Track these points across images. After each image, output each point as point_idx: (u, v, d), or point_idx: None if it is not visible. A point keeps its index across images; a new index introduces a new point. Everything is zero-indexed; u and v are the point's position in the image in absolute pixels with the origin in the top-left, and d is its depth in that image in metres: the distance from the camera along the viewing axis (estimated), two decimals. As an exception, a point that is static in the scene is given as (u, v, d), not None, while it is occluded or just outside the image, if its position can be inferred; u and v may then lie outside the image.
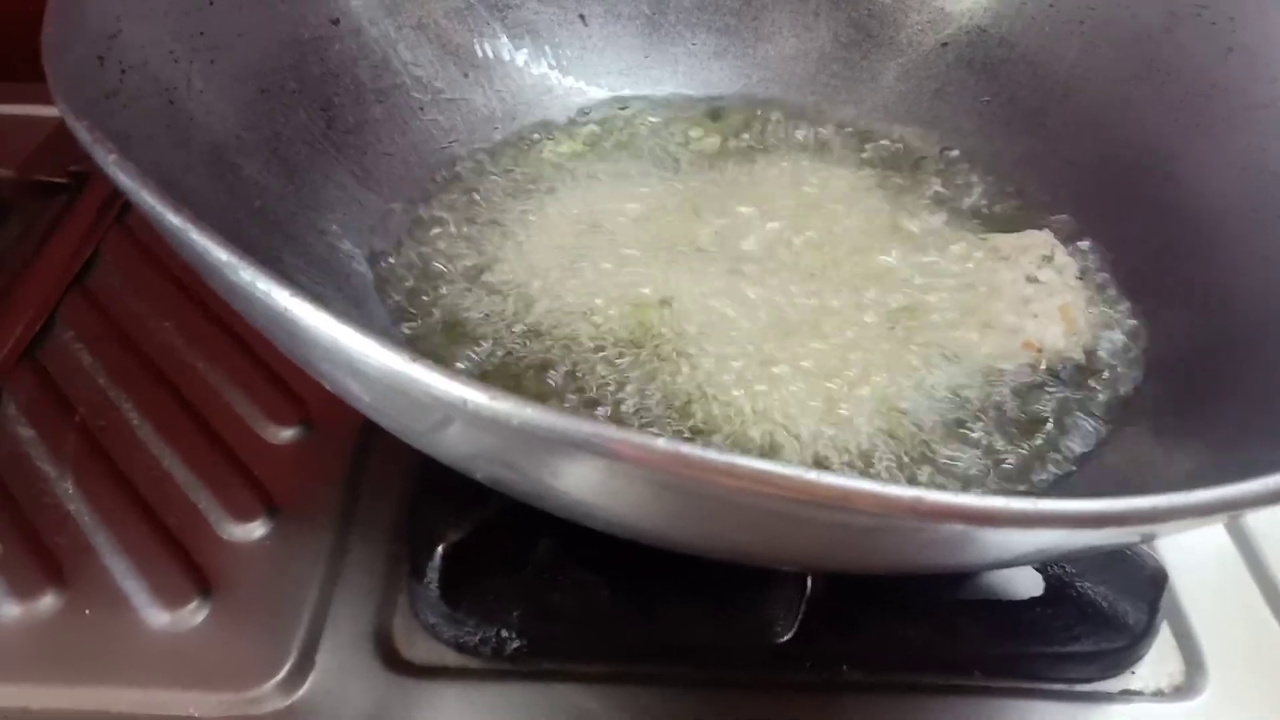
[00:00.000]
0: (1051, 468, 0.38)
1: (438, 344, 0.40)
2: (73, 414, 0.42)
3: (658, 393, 0.38)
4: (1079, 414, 0.40)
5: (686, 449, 0.19)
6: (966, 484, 0.37)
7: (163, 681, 0.34)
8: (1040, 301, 0.41)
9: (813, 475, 0.19)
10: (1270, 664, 0.38)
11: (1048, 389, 0.40)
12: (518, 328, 0.41)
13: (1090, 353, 0.41)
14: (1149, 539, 0.35)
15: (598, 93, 0.53)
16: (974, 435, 0.39)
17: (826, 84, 0.53)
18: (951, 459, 0.38)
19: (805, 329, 0.40)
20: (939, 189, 0.48)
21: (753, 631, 0.36)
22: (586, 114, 0.52)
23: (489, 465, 0.26)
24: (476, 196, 0.46)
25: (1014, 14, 0.50)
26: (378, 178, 0.44)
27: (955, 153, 0.50)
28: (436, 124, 0.48)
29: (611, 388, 0.39)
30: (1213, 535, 0.42)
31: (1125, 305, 0.43)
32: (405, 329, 0.41)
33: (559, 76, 0.52)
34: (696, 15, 0.54)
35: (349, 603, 0.37)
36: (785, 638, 0.36)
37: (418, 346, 0.40)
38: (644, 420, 0.38)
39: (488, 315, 0.41)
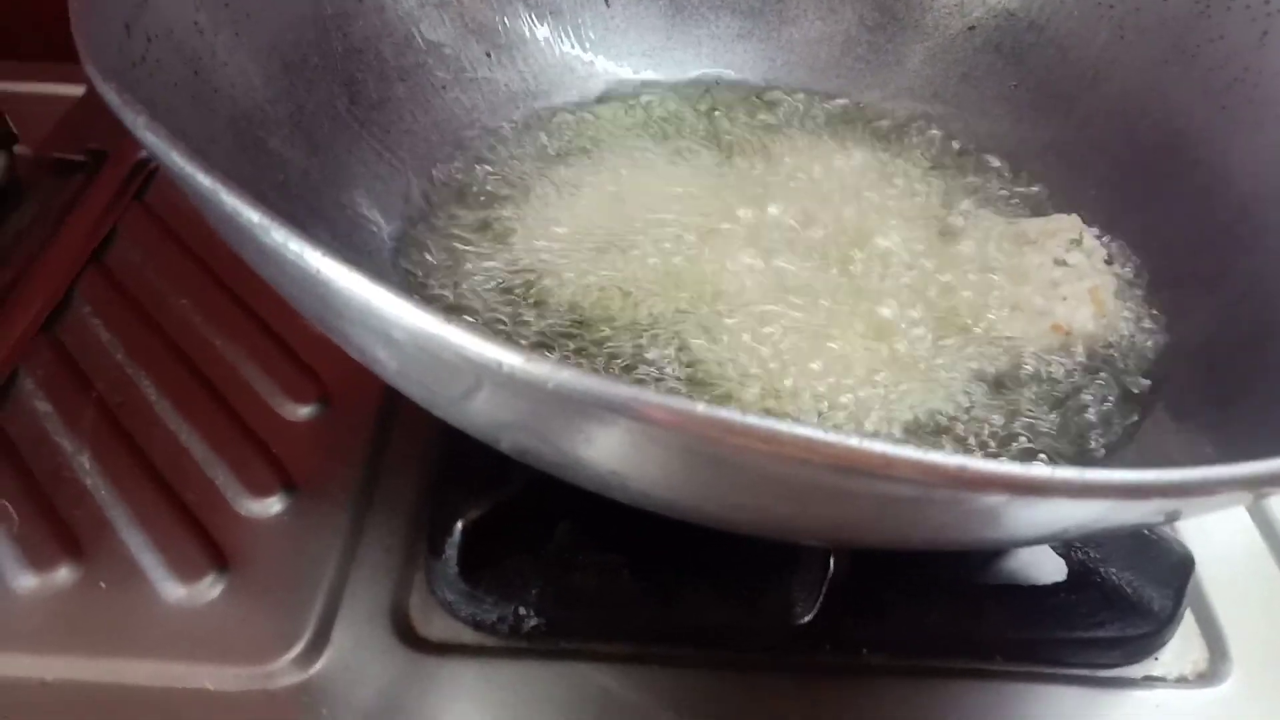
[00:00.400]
0: (1075, 450, 0.38)
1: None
2: (90, 389, 0.42)
3: (683, 369, 0.38)
4: (1104, 398, 0.39)
5: (726, 413, 0.19)
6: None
7: (178, 655, 0.34)
8: (1069, 285, 0.40)
9: (855, 441, 0.19)
10: (1295, 653, 0.38)
11: (1073, 372, 0.40)
12: (536, 304, 0.40)
13: (1117, 338, 0.41)
14: (1174, 518, 0.34)
15: (620, 73, 0.52)
16: (995, 419, 0.39)
17: (851, 67, 0.53)
18: (972, 439, 0.37)
19: (831, 310, 0.40)
20: (966, 174, 0.48)
21: (773, 613, 0.36)
22: (608, 95, 0.51)
23: (517, 434, 0.25)
24: (498, 175, 0.46)
25: (1040, -4, 0.50)
26: (401, 155, 0.44)
27: (982, 137, 0.50)
28: (459, 102, 0.47)
29: (632, 361, 0.38)
30: (1238, 523, 0.41)
31: (1153, 291, 0.43)
32: (426, 303, 0.40)
33: (581, 57, 0.51)
34: (720, -3, 0.53)
35: (366, 579, 0.37)
36: (806, 619, 0.35)
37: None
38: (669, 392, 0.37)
39: (508, 290, 0.41)
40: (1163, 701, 0.36)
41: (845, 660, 0.36)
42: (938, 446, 0.36)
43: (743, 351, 0.39)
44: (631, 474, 0.24)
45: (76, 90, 0.57)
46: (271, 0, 0.40)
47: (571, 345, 0.39)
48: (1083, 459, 0.37)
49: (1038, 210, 0.46)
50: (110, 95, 0.25)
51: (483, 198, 0.45)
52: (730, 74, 0.54)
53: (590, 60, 0.52)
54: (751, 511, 0.25)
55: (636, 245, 0.43)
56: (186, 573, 0.36)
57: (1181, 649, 0.37)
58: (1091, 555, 0.38)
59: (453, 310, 0.40)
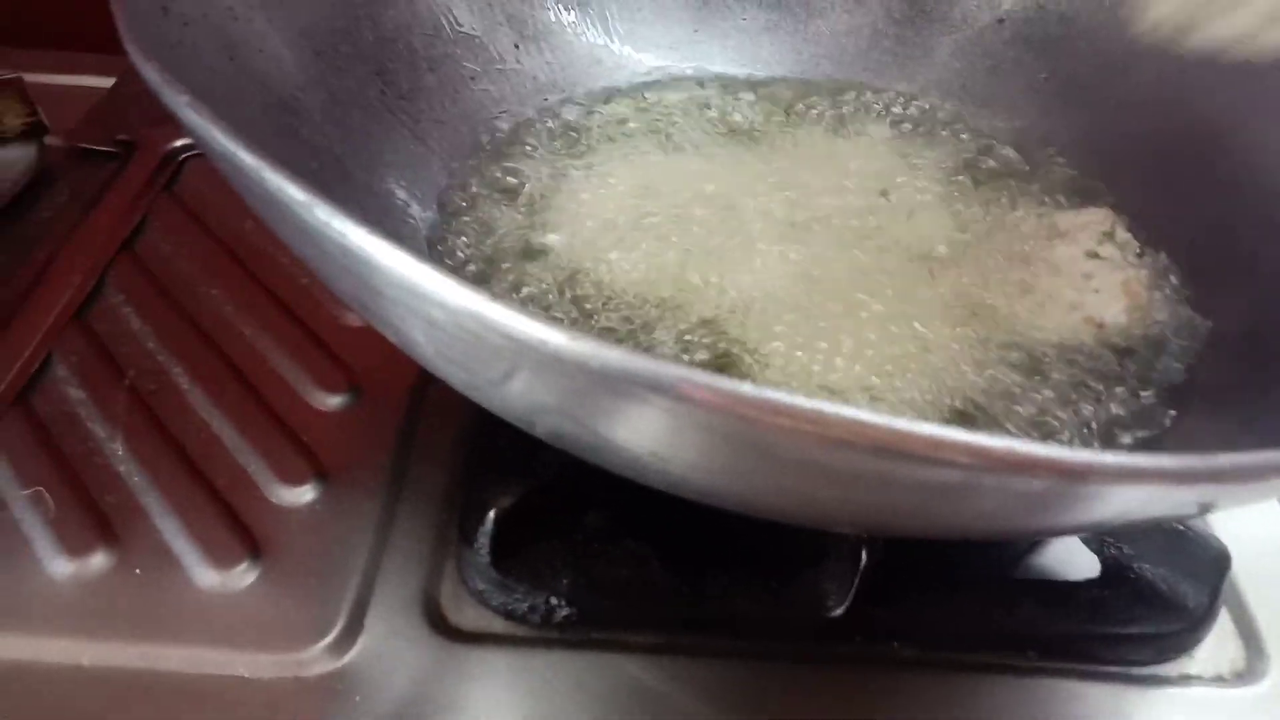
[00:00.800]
0: (1108, 444, 0.37)
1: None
2: (123, 376, 0.42)
3: (715, 360, 0.38)
4: (1137, 392, 0.39)
5: (773, 394, 0.19)
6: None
7: (212, 641, 0.34)
8: (1101, 277, 0.40)
9: (901, 423, 0.19)
10: (1334, 652, 0.37)
11: (1106, 366, 0.39)
12: (568, 293, 0.40)
13: (1150, 331, 0.40)
14: (1207, 510, 0.34)
15: (647, 65, 0.52)
16: (1027, 411, 0.38)
17: (879, 60, 0.53)
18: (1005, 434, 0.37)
19: (862, 303, 0.40)
20: (994, 166, 0.48)
21: (805, 604, 0.35)
22: (636, 86, 0.51)
23: (555, 417, 0.25)
24: (527, 166, 0.46)
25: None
26: (430, 144, 0.44)
27: (1011, 130, 0.50)
28: (488, 93, 0.47)
29: (663, 353, 0.38)
30: (1274, 518, 0.41)
31: (1186, 283, 0.42)
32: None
33: (608, 48, 0.51)
34: (748, -11, 0.53)
35: (398, 568, 0.37)
36: (838, 611, 0.35)
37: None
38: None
39: (538, 280, 0.41)
40: (1198, 700, 0.36)
41: (876, 653, 0.36)
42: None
43: (772, 341, 0.39)
44: (672, 457, 0.24)
45: (106, 82, 0.58)
46: (304, -13, 0.40)
47: (605, 336, 0.39)
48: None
49: (1068, 203, 0.46)
50: (151, 75, 0.25)
51: (512, 188, 0.45)
52: (757, 67, 0.54)
53: (617, 51, 0.52)
54: (793, 497, 0.24)
55: (667, 235, 0.43)
56: (220, 559, 0.36)
57: (1217, 647, 0.37)
58: (1125, 550, 0.37)
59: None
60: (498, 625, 0.36)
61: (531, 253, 0.42)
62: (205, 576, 0.36)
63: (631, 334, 0.39)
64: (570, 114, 0.49)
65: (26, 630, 0.34)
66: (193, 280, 0.47)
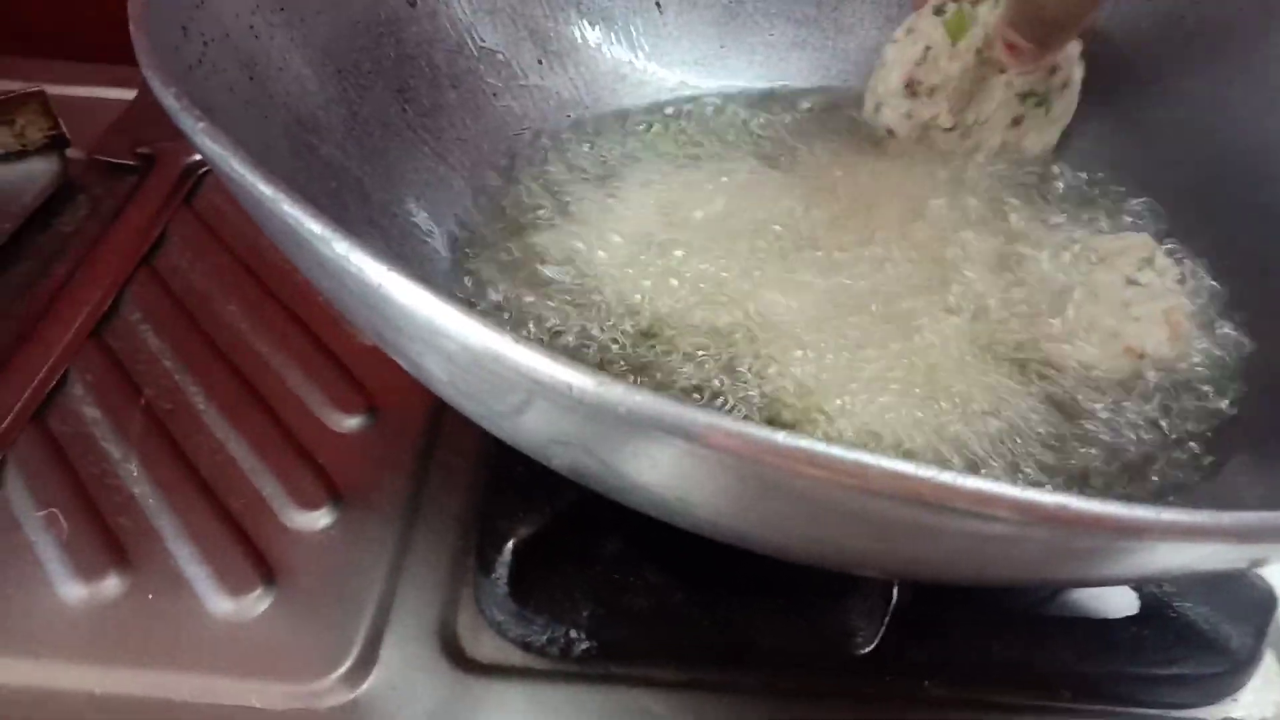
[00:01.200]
0: (1146, 485, 0.36)
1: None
2: (139, 395, 0.42)
3: (739, 390, 0.37)
4: (1178, 429, 0.38)
5: (808, 444, 0.18)
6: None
7: (225, 669, 0.34)
8: (1141, 305, 0.39)
9: (947, 476, 0.18)
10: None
11: (1147, 398, 0.38)
12: (590, 316, 0.39)
13: (1192, 363, 0.39)
14: (1257, 566, 0.33)
15: (672, 81, 0.51)
16: (1065, 447, 0.37)
17: (909, 77, 0.51)
18: (1040, 472, 0.36)
19: (894, 330, 0.39)
20: (1030, 190, 0.46)
21: (833, 639, 0.34)
22: (661, 103, 0.50)
23: (576, 453, 0.24)
24: (549, 183, 0.45)
25: (1110, 9, 0.48)
26: (452, 162, 0.43)
27: (1045, 151, 0.48)
28: (510, 110, 0.47)
29: (686, 384, 0.37)
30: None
31: (1228, 312, 0.41)
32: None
33: (633, 65, 0.51)
34: (775, 5, 0.52)
35: (414, 597, 0.36)
36: (867, 648, 0.34)
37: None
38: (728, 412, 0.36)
39: (559, 303, 0.40)
40: (1242, 745, 0.34)
41: (907, 691, 0.35)
42: (1004, 475, 0.35)
43: (794, 367, 0.38)
44: (699, 502, 0.23)
45: (127, 94, 0.57)
46: (327, 4, 0.40)
47: (631, 358, 0.38)
48: (1159, 496, 0.36)
49: (1108, 227, 0.45)
50: (169, 100, 0.25)
51: (535, 206, 0.44)
52: (784, 83, 0.53)
53: (642, 68, 0.51)
54: (829, 545, 0.23)
55: (691, 255, 0.42)
56: (234, 586, 0.35)
57: (1263, 690, 0.35)
58: (1164, 588, 0.36)
59: (509, 320, 0.39)
60: (516, 657, 0.35)
61: (553, 272, 0.41)
62: (218, 603, 0.35)
63: (653, 359, 0.38)
64: (593, 131, 0.48)
65: (37, 655, 0.34)
66: (210, 297, 0.46)
